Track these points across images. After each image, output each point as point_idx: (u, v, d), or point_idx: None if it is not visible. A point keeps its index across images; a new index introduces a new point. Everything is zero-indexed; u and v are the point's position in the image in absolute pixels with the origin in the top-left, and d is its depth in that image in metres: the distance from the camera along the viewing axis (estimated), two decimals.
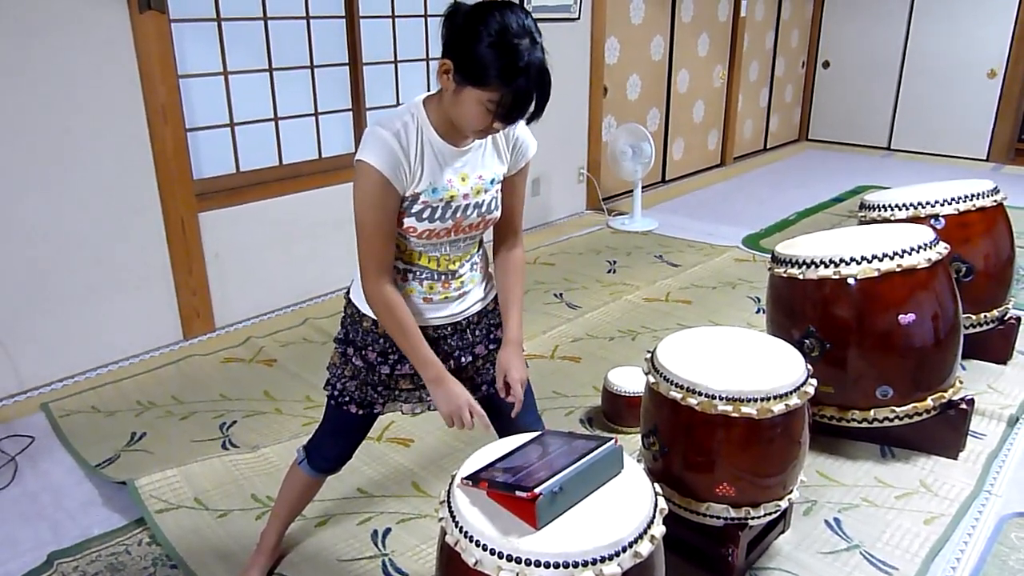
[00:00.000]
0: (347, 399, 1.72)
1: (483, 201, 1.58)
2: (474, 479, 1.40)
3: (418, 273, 1.61)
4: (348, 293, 1.72)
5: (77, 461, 2.51)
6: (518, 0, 1.41)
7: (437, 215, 1.54)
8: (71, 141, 2.89)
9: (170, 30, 3.10)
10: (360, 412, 1.73)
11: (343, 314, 1.74)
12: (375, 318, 1.62)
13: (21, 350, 2.92)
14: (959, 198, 2.79)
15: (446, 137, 1.51)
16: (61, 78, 2.82)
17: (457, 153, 1.53)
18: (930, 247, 2.31)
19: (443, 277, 1.63)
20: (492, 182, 1.60)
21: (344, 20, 3.80)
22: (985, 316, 2.91)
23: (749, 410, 1.79)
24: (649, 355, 2.03)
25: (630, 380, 2.65)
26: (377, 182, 1.46)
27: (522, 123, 1.45)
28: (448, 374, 1.59)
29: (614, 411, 2.70)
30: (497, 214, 1.64)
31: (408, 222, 1.53)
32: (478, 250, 1.71)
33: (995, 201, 2.84)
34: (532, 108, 1.40)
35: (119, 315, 3.17)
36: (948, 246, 2.38)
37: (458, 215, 1.56)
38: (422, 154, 1.49)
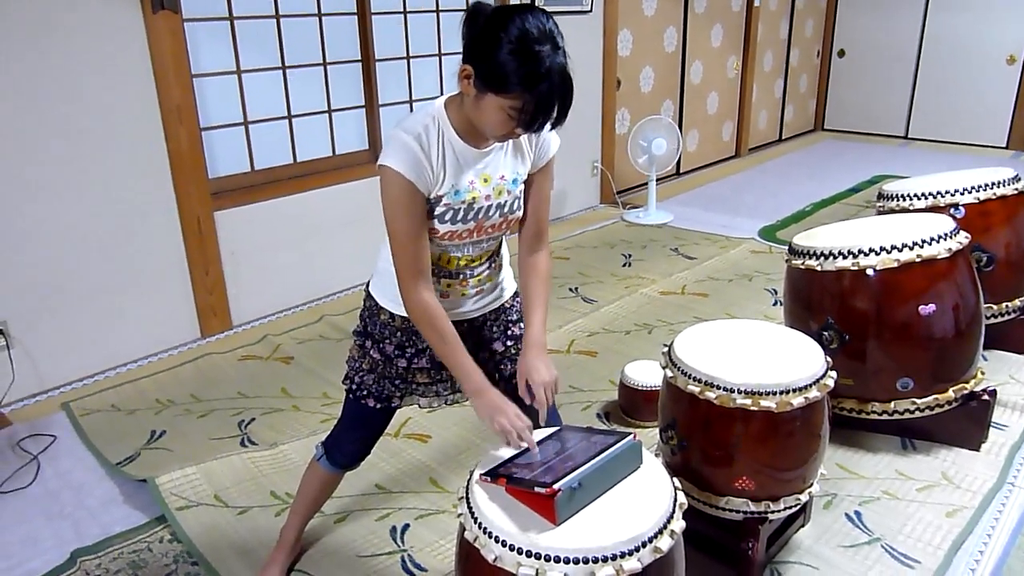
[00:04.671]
0: (365, 392, 1.73)
1: (505, 202, 1.57)
2: (493, 475, 1.40)
3: (436, 271, 1.61)
4: (368, 286, 1.72)
5: (98, 459, 2.54)
6: None
7: (459, 217, 1.53)
8: (87, 142, 2.91)
9: (183, 30, 3.11)
10: (378, 406, 1.74)
11: (362, 306, 1.74)
12: (393, 312, 1.62)
13: (41, 350, 2.95)
14: (979, 187, 2.75)
15: (467, 139, 1.50)
16: (76, 79, 2.84)
17: (479, 155, 1.52)
18: (950, 237, 2.28)
19: (461, 276, 1.62)
20: (515, 182, 1.58)
21: (356, 17, 3.80)
22: (1007, 306, 2.87)
23: (768, 403, 1.77)
24: (666, 349, 2.02)
25: (647, 374, 2.64)
26: (402, 187, 1.45)
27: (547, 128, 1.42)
28: (490, 385, 1.54)
29: (631, 405, 2.69)
30: (519, 214, 1.62)
31: (431, 224, 1.52)
32: (498, 249, 1.70)
33: (1016, 189, 2.79)
34: (555, 114, 1.37)
35: (137, 314, 3.19)
36: (968, 235, 2.35)
37: (480, 216, 1.55)
38: (444, 157, 1.48)
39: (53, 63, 2.78)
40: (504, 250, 1.74)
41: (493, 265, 1.68)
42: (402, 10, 3.99)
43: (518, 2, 3.75)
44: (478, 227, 1.56)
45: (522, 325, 1.75)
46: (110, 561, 2.06)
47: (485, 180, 1.54)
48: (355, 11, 3.79)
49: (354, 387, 1.75)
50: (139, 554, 2.09)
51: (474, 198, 1.52)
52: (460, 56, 1.43)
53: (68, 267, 2.96)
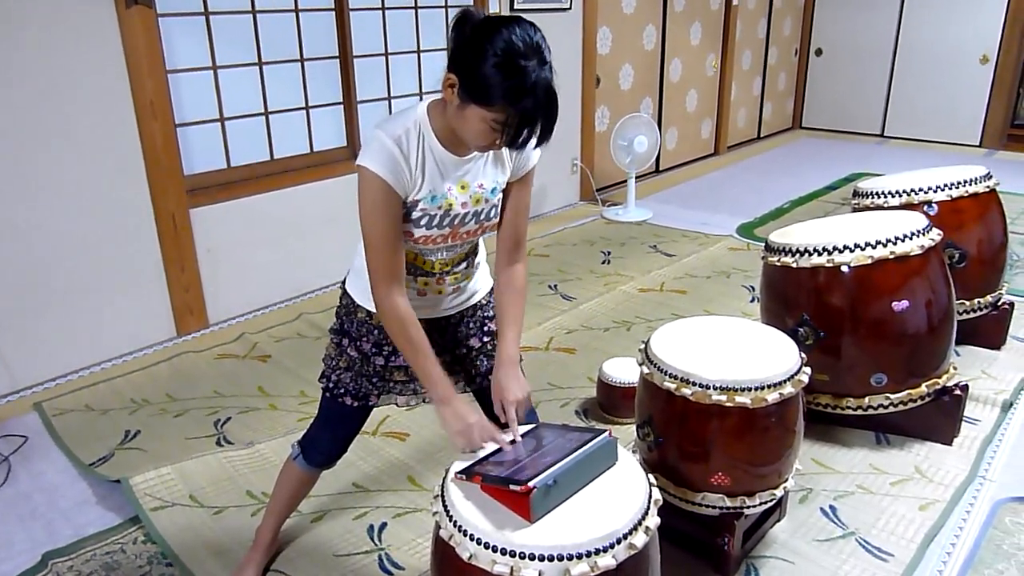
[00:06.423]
0: (342, 391, 1.72)
1: (482, 210, 1.57)
2: (468, 473, 1.39)
3: (412, 270, 1.60)
4: (344, 283, 1.72)
5: (71, 460, 2.50)
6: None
7: (435, 223, 1.52)
8: (59, 138, 2.87)
9: (157, 25, 3.07)
10: (355, 404, 1.73)
11: (338, 304, 1.73)
12: (370, 310, 1.61)
13: (13, 350, 2.90)
14: (952, 184, 2.79)
15: (448, 146, 1.49)
16: (48, 75, 2.80)
17: (459, 162, 1.51)
18: (923, 233, 2.31)
19: (437, 276, 1.62)
20: (493, 191, 1.57)
21: (333, 12, 3.77)
22: (978, 302, 2.91)
23: (743, 399, 1.79)
24: (643, 346, 2.02)
25: (625, 371, 2.65)
26: (380, 188, 1.44)
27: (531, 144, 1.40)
28: (456, 395, 1.54)
29: (609, 402, 2.70)
30: (495, 220, 1.61)
31: (406, 227, 1.52)
32: (474, 248, 1.70)
33: (988, 187, 2.83)
34: (539, 130, 1.36)
35: (112, 313, 3.15)
36: (941, 232, 2.38)
37: (456, 223, 1.54)
38: (423, 162, 1.47)
39: (24, 58, 2.73)
40: (480, 246, 1.73)
41: (470, 265, 1.68)
42: (380, 6, 3.96)
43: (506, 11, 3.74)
44: (453, 233, 1.56)
45: None
46: (83, 563, 2.04)
47: (463, 187, 1.53)
48: (332, 7, 3.76)
49: (331, 385, 1.74)
50: (112, 555, 2.07)
51: (450, 205, 1.51)
52: (439, 53, 1.43)
53: (40, 265, 2.91)
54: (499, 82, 1.31)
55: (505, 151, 1.57)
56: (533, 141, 1.38)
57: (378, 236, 1.47)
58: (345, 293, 1.70)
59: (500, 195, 1.60)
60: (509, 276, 1.65)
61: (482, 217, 1.57)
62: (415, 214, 1.50)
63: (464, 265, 1.66)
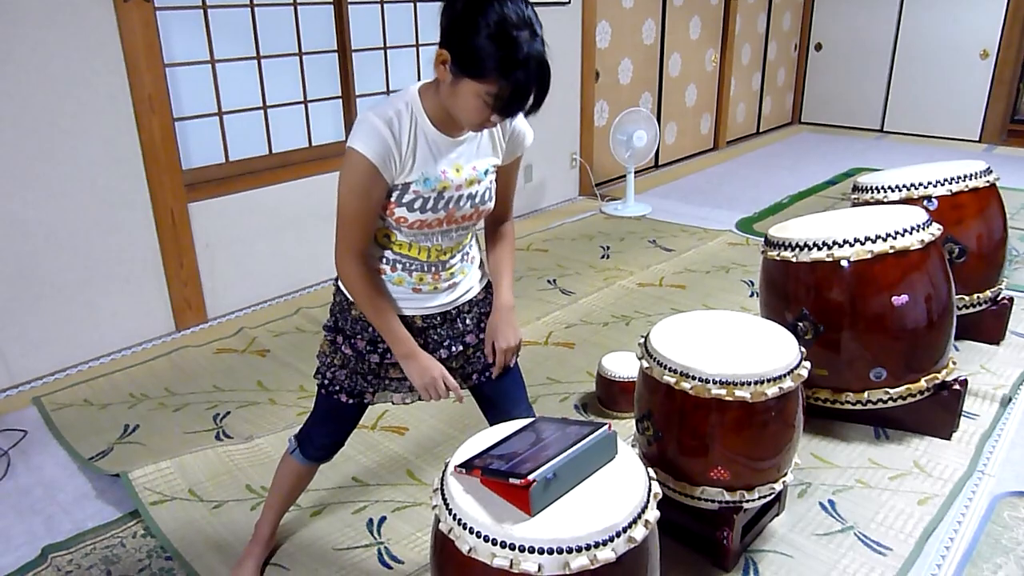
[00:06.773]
0: (337, 388, 1.71)
1: (476, 192, 1.56)
2: (468, 467, 1.39)
3: (408, 264, 1.60)
4: (337, 281, 1.71)
5: (70, 454, 2.50)
6: None
7: (429, 206, 1.52)
8: (57, 133, 2.86)
9: (155, 18, 3.06)
10: (350, 401, 1.72)
11: (332, 301, 1.73)
12: None
13: (12, 345, 2.90)
14: (952, 179, 2.79)
15: (441, 127, 1.49)
16: (45, 69, 2.79)
17: (452, 144, 1.51)
18: (923, 228, 2.30)
19: (434, 268, 1.61)
20: (486, 172, 1.58)
21: (332, 6, 3.76)
22: (978, 297, 2.91)
23: (743, 393, 1.79)
24: (643, 340, 2.02)
25: (624, 365, 2.65)
26: (365, 171, 1.44)
27: (520, 114, 1.43)
28: (419, 348, 1.60)
29: (608, 397, 2.70)
30: (491, 205, 1.62)
31: (399, 212, 1.51)
32: (470, 240, 1.69)
33: (988, 182, 2.83)
34: (531, 101, 1.38)
35: (110, 308, 3.15)
36: (941, 227, 2.38)
37: (451, 206, 1.54)
38: (414, 144, 1.47)
39: (21, 54, 2.72)
40: (475, 242, 1.73)
41: (465, 258, 1.68)
42: (379, 0, 3.95)
43: None
44: (448, 217, 1.55)
45: None
46: (82, 557, 2.04)
47: (457, 170, 1.53)
48: (331, 0, 3.75)
49: (326, 382, 1.73)
50: (112, 549, 2.07)
51: (444, 187, 1.52)
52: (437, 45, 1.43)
53: (39, 260, 2.91)
54: (492, 53, 1.32)
55: (497, 133, 1.58)
56: (523, 111, 1.41)
57: (352, 214, 1.50)
58: (339, 290, 1.69)
59: (493, 176, 1.61)
60: (499, 233, 1.74)
61: (477, 200, 1.57)
62: (407, 197, 1.50)
63: (460, 259, 1.65)
